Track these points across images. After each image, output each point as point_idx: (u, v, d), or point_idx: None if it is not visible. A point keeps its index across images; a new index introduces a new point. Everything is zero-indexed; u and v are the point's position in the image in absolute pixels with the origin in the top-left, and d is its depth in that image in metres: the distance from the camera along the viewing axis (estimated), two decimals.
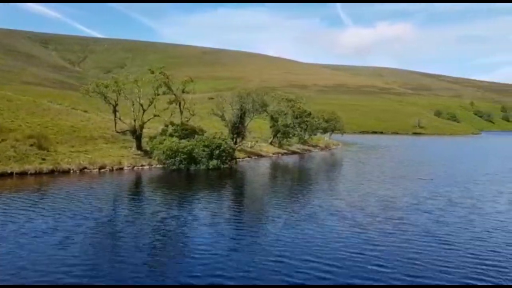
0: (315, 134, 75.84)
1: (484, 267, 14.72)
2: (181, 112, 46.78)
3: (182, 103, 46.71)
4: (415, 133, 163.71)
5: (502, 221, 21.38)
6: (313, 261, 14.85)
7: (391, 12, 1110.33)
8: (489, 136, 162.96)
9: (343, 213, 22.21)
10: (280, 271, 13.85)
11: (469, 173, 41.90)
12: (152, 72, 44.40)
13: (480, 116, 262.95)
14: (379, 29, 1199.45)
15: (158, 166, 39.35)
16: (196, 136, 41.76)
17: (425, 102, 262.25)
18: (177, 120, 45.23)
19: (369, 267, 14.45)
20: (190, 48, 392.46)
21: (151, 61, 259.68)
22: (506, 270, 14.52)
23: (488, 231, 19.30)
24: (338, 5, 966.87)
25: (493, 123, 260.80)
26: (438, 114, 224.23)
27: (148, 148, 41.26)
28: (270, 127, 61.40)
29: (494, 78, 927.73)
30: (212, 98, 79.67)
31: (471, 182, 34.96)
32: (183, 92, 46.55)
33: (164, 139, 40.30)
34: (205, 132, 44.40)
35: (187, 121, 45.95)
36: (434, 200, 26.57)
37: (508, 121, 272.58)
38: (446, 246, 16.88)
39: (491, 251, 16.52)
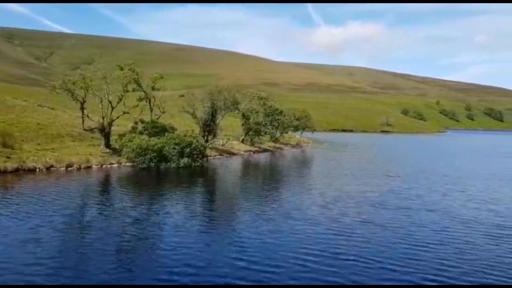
0: (287, 132, 76.53)
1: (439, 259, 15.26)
2: (151, 110, 46.31)
3: (152, 100, 46.26)
4: (383, 131, 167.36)
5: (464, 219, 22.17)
6: (283, 258, 15.02)
7: (361, 12, 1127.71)
8: (454, 134, 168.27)
9: (313, 210, 22.54)
10: (250, 268, 13.95)
11: (436, 171, 43.14)
12: (121, 69, 43.80)
13: (446, 115, 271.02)
14: (350, 28, 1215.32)
15: (127, 164, 38.79)
16: (166, 133, 41.38)
17: (393, 101, 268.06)
18: (147, 118, 44.74)
19: (336, 263, 14.73)
20: (161, 44, 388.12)
21: (120, 57, 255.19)
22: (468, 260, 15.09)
23: (449, 226, 20.01)
24: (309, 4, 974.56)
25: (458, 121, 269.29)
26: (405, 112, 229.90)
27: (117, 146, 40.61)
28: (242, 125, 61.46)
29: (459, 77, 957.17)
30: (183, 96, 78.99)
31: (437, 180, 36.05)
32: (153, 89, 46.11)
33: (134, 137, 39.76)
34: (176, 129, 44.06)
35: (157, 118, 45.51)
36: (400, 197, 27.27)
37: (472, 120, 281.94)
38: (408, 241, 17.39)
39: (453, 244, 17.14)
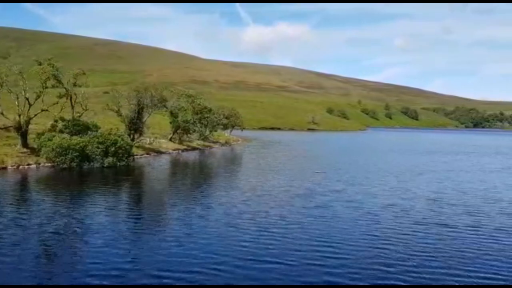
0: (216, 130, 76.58)
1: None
2: (73, 107, 44.17)
3: (74, 97, 44.12)
4: (310, 129, 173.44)
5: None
6: (209, 257, 15.12)
7: (289, 12, 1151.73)
8: (374, 131, 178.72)
9: (239, 208, 22.79)
10: (177, 269, 13.89)
11: (358, 165, 45.48)
12: (40, 64, 41.36)
13: (367, 114, 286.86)
14: (278, 28, 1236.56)
15: (47, 164, 36.70)
16: (89, 132, 39.73)
17: (318, 100, 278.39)
18: (68, 116, 42.64)
19: (261, 259, 15.11)
20: (83, 39, 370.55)
21: (39, 51, 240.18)
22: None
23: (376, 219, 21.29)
24: (237, 4, 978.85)
25: (378, 119, 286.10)
26: (330, 111, 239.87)
27: (35, 146, 38.31)
28: (170, 123, 60.54)
29: (380, 78, 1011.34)
30: (107, 93, 76.23)
31: (359, 175, 38.05)
32: (74, 85, 43.97)
33: (54, 136, 37.70)
34: (100, 128, 42.39)
35: (79, 116, 43.53)
36: (325, 191, 28.44)
37: (390, 118, 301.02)
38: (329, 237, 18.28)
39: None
